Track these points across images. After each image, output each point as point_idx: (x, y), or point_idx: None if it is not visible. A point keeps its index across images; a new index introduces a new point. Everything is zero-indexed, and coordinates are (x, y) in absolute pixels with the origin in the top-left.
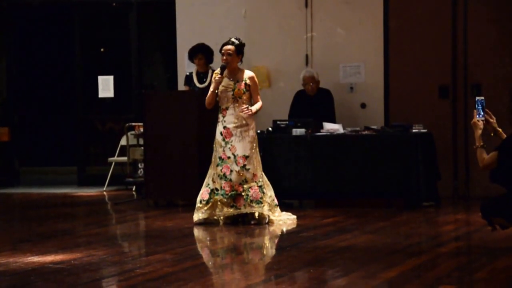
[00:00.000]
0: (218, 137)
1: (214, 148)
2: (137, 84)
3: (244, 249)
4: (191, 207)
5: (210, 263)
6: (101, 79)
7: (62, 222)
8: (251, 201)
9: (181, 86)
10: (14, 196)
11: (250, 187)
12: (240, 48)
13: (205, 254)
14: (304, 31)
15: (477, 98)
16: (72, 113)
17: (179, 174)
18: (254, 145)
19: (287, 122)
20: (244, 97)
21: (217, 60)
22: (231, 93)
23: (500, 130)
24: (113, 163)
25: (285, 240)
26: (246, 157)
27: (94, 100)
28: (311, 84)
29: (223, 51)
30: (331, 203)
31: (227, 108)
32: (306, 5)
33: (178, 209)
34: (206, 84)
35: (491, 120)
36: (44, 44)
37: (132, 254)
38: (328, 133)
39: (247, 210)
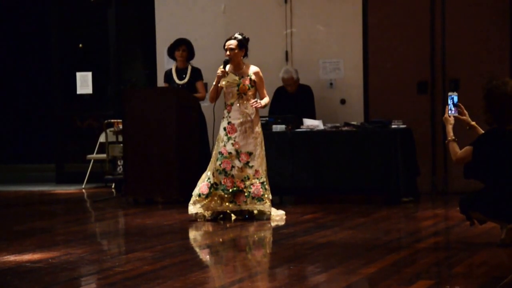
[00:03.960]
0: (221, 132)
1: (216, 143)
2: (116, 81)
3: (223, 246)
4: (171, 205)
5: (190, 260)
6: (79, 75)
7: (40, 220)
8: (253, 198)
9: (161, 83)
10: None
11: (252, 184)
12: (243, 43)
13: (185, 252)
14: (283, 27)
15: (449, 94)
16: (50, 109)
17: (158, 171)
18: (259, 140)
19: (267, 118)
20: (250, 93)
21: (199, 57)
22: (236, 88)
23: (474, 123)
24: (92, 160)
25: (265, 236)
26: (249, 154)
27: (73, 97)
28: (290, 84)
29: (226, 47)
30: (311, 199)
31: (232, 104)
32: (286, 1)
33: (157, 206)
34: (185, 80)
35: (462, 117)
36: (22, 40)
37: (111, 252)
38: (308, 129)
39: (248, 207)
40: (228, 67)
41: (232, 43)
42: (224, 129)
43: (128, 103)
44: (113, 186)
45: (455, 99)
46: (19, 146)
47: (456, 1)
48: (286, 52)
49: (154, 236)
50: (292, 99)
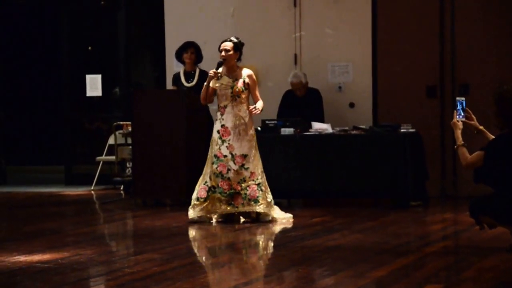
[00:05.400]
0: (215, 135)
1: (210, 146)
2: (125, 83)
3: (232, 248)
4: (179, 206)
5: (198, 262)
6: (89, 78)
7: (49, 221)
8: (249, 199)
9: (169, 85)
10: (0, 195)
11: (248, 186)
12: (238, 46)
13: (193, 254)
14: (292, 30)
15: (457, 98)
16: (60, 111)
17: (167, 173)
18: (253, 143)
19: (275, 122)
20: (243, 96)
21: (208, 60)
22: (230, 91)
23: (482, 128)
24: (101, 162)
25: (274, 239)
26: (244, 156)
27: (82, 99)
28: (299, 88)
29: (221, 48)
30: (320, 202)
31: (225, 107)
32: (295, 5)
33: (166, 208)
34: (193, 83)
35: (470, 122)
36: (32, 42)
37: (120, 253)
38: (317, 133)
39: (245, 208)
40: (221, 69)
41: (228, 44)
42: (218, 131)
43: (137, 105)
44: (121, 188)
45: (464, 103)
46: (29, 147)
47: (465, 5)
48: (295, 56)
49: (162, 238)
50: (301, 103)
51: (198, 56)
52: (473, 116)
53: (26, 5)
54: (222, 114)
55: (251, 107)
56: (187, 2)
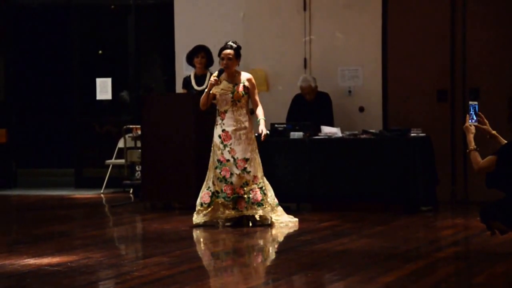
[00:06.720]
0: (217, 139)
1: (212, 151)
2: (135, 87)
3: (241, 252)
4: (188, 210)
5: (207, 266)
6: (99, 81)
7: (59, 224)
8: (253, 203)
9: (179, 89)
10: (11, 198)
11: (251, 190)
12: (238, 52)
13: (202, 257)
14: (302, 34)
15: (470, 103)
16: (70, 115)
17: (176, 176)
18: (254, 147)
19: (285, 126)
20: (243, 100)
21: (216, 64)
22: (230, 96)
23: (495, 132)
24: (111, 166)
25: (283, 243)
26: (246, 160)
27: (92, 102)
28: (309, 93)
29: (223, 56)
30: (329, 206)
31: (225, 111)
32: (305, 9)
33: (175, 211)
34: (204, 87)
35: (483, 126)
36: (42, 46)
37: (129, 256)
38: (326, 137)
39: (249, 212)
40: (222, 76)
41: (230, 52)
42: (219, 136)
43: (147, 109)
44: (131, 191)
45: (476, 108)
46: (39, 151)
47: (476, 9)
48: (305, 60)
49: (171, 241)
50: (310, 107)
51: (209, 60)
52: (485, 120)
53: (37, 9)
54: (222, 119)
55: (262, 135)
56: (197, 5)
